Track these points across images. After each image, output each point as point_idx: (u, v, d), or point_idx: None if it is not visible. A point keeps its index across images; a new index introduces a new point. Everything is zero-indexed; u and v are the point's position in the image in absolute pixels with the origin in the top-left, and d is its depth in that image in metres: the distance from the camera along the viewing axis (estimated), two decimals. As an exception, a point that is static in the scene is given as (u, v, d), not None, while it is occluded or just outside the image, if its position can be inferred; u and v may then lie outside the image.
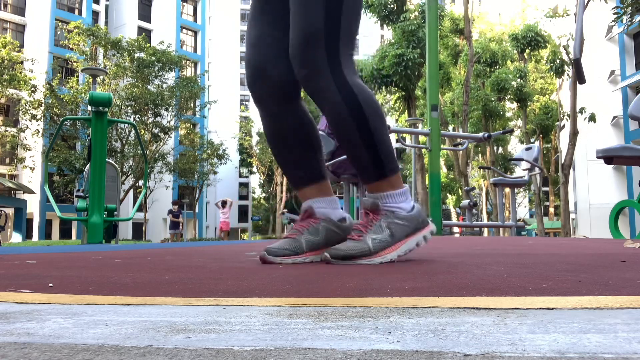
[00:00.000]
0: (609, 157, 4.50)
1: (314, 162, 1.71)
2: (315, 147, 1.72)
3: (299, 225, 1.64)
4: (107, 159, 6.92)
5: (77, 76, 30.74)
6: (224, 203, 18.05)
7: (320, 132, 5.31)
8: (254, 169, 54.24)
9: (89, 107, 6.76)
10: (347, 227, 1.67)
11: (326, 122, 5.38)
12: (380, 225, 1.53)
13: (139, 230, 41.33)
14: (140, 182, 27.13)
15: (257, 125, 53.74)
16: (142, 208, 30.57)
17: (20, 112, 25.58)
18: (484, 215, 38.37)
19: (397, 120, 27.70)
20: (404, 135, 8.66)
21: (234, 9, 62.38)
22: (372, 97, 1.57)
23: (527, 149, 7.23)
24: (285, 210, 27.63)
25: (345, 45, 1.55)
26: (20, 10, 37.70)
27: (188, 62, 43.27)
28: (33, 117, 24.75)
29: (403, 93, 23.62)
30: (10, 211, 28.00)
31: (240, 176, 59.26)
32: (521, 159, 7.08)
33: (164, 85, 27.26)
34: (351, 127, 1.53)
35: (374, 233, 1.52)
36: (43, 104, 25.15)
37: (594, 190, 26.91)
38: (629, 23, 12.87)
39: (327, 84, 1.52)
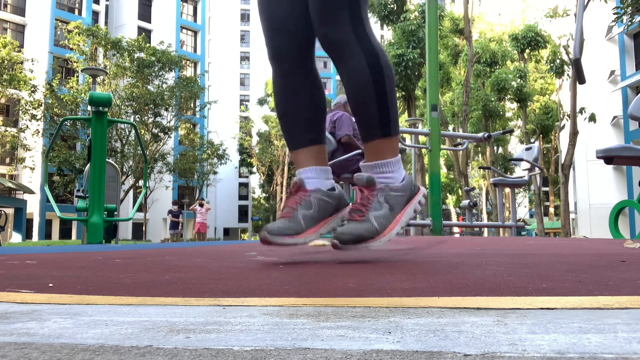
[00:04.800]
0: (609, 157, 4.50)
1: (316, 126, 1.72)
2: (321, 111, 1.73)
3: (292, 200, 1.62)
4: (107, 159, 6.92)
5: (77, 76, 30.75)
6: (201, 204, 17.86)
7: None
8: (254, 169, 54.25)
9: (89, 107, 6.76)
10: (337, 195, 1.66)
11: (328, 122, 5.39)
12: (379, 201, 1.53)
13: (139, 230, 41.33)
14: (140, 182, 27.12)
15: (257, 125, 53.75)
16: (142, 208, 30.57)
17: (20, 112, 25.58)
18: (484, 215, 38.37)
19: (397, 120, 27.60)
20: (404, 135, 8.65)
21: (234, 9, 62.38)
22: (388, 58, 1.60)
23: (527, 149, 7.23)
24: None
25: (364, 3, 1.58)
26: (20, 10, 37.69)
27: (188, 62, 43.27)
28: (33, 117, 24.76)
29: (403, 93, 23.62)
30: (10, 211, 27.98)
31: (240, 176, 59.24)
32: (521, 159, 7.07)
33: (164, 85, 27.27)
34: (368, 82, 1.54)
35: (374, 210, 1.51)
36: (43, 104, 25.15)
37: (594, 190, 26.91)
38: (629, 23, 12.88)
39: (349, 37, 1.54)
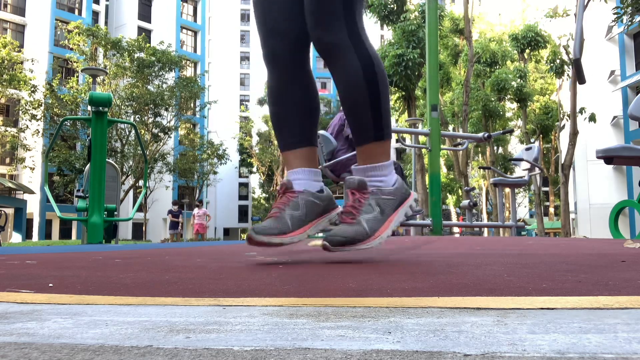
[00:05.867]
0: (609, 157, 4.50)
1: (308, 127, 1.72)
2: (313, 113, 1.73)
3: (279, 202, 1.63)
4: (107, 159, 6.92)
5: (77, 76, 30.76)
6: (197, 205, 17.88)
7: (322, 132, 5.34)
8: (254, 169, 54.25)
9: (89, 107, 6.76)
10: (325, 197, 1.67)
11: (334, 125, 5.40)
12: (370, 204, 1.54)
13: (139, 230, 41.32)
14: (140, 182, 27.12)
15: (257, 125, 53.75)
16: (142, 208, 30.57)
17: (20, 112, 25.59)
18: (484, 215, 38.36)
19: (397, 120, 27.71)
20: (404, 135, 8.65)
21: (234, 9, 62.38)
22: (382, 62, 1.61)
23: (527, 149, 7.23)
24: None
25: (359, 8, 1.58)
26: (20, 10, 37.69)
27: (188, 62, 43.26)
28: (33, 117, 24.76)
29: (403, 93, 23.61)
30: (10, 211, 27.99)
31: (240, 176, 59.24)
32: (521, 159, 7.07)
33: (164, 85, 27.26)
34: (362, 86, 1.55)
35: (365, 213, 1.52)
36: (43, 104, 25.15)
37: (594, 190, 26.91)
38: (629, 23, 12.88)
39: (343, 41, 1.54)
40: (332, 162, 5.24)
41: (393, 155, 56.38)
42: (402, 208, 1.59)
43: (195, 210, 17.65)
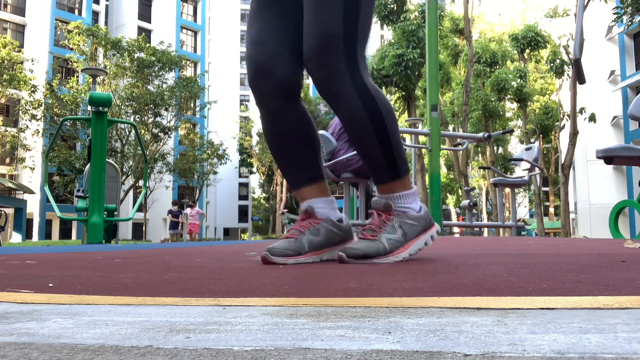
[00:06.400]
0: (609, 157, 4.50)
1: (313, 162, 1.71)
2: (315, 147, 1.72)
3: (300, 225, 1.64)
4: (107, 159, 6.92)
5: (77, 76, 30.75)
6: (191, 206, 17.92)
7: (322, 132, 5.34)
8: (254, 169, 54.25)
9: (89, 107, 6.76)
10: (345, 228, 1.68)
11: (335, 125, 5.40)
12: (393, 226, 1.55)
13: (139, 230, 41.31)
14: (140, 182, 27.11)
15: (257, 125, 53.70)
16: (142, 208, 30.56)
17: (20, 112, 25.58)
18: (484, 215, 38.36)
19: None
20: (404, 135, 8.65)
21: (234, 9, 62.38)
22: (386, 99, 1.59)
23: (527, 149, 7.23)
24: (285, 210, 27.54)
25: (362, 47, 1.57)
26: (20, 10, 37.68)
27: (188, 62, 43.25)
28: (33, 117, 24.75)
29: (403, 93, 23.61)
30: (10, 211, 27.98)
31: (240, 176, 59.23)
32: (521, 159, 7.07)
33: (164, 85, 27.25)
34: (368, 129, 1.54)
35: (388, 233, 1.54)
36: (43, 104, 25.15)
37: (594, 190, 26.90)
38: (629, 23, 12.88)
39: (346, 87, 1.53)
40: (332, 162, 5.23)
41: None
42: (423, 235, 1.61)
43: (188, 210, 17.62)
